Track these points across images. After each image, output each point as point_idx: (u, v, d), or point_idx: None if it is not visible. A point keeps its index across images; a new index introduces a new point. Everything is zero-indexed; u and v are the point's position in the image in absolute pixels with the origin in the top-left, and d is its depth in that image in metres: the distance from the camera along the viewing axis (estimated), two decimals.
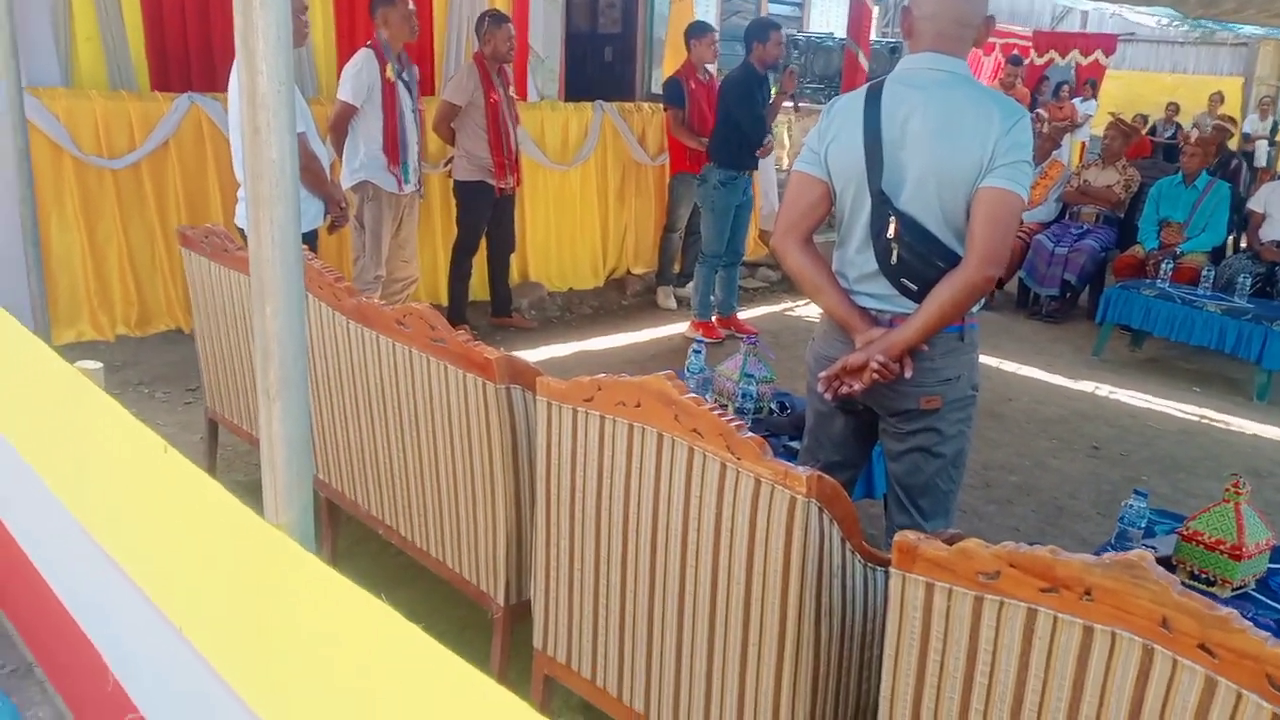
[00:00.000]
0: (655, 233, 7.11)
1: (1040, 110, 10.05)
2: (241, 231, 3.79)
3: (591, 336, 6.06)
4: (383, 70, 4.70)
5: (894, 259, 2.25)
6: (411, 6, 4.81)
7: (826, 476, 1.76)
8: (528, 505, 2.41)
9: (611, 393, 2.01)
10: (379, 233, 4.90)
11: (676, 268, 6.83)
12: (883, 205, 2.25)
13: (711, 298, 5.97)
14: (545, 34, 6.71)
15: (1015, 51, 10.64)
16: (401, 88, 4.79)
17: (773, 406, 3.49)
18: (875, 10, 8.44)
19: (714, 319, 5.99)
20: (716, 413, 1.85)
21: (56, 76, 4.95)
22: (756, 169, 5.89)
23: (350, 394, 2.81)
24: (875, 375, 2.28)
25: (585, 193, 6.77)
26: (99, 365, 2.09)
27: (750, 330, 6.06)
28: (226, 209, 5.21)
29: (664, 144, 6.95)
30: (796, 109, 5.90)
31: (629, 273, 7.12)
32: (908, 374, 2.28)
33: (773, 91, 5.93)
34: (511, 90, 5.60)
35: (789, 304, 7.02)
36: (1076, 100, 11.58)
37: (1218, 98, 11.80)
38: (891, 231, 2.24)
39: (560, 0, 6.88)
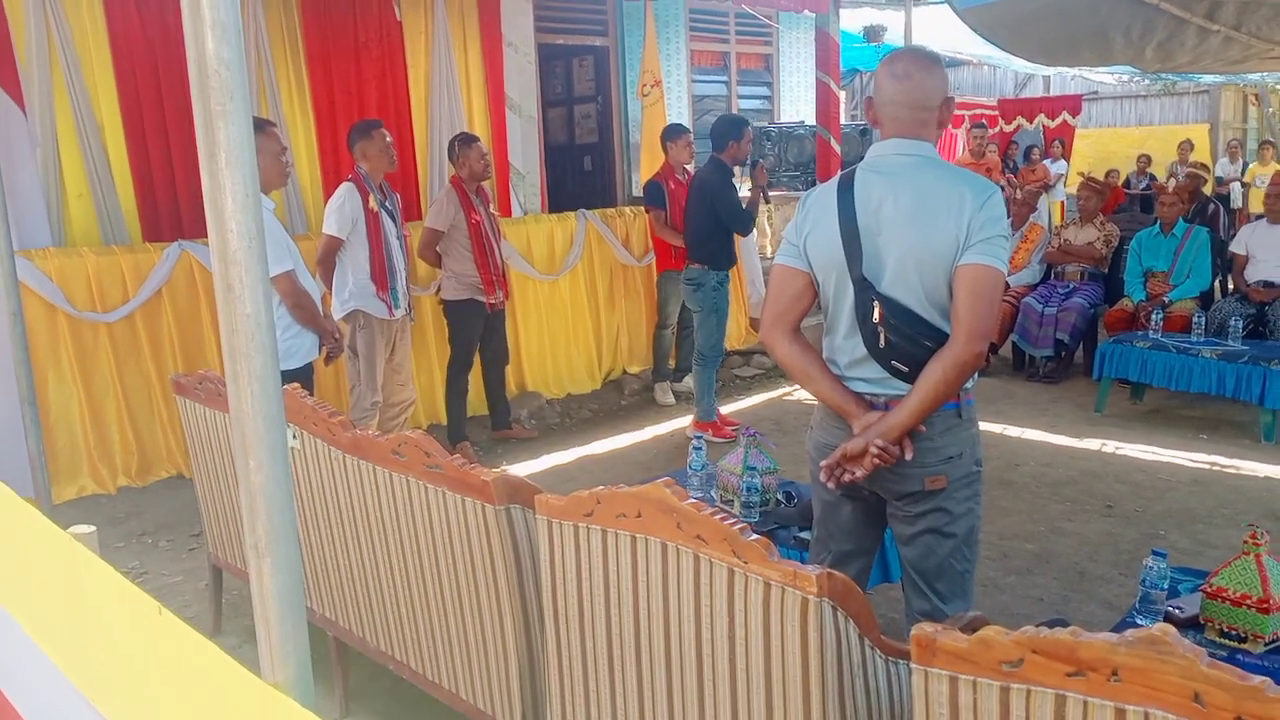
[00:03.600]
0: (648, 331, 7.16)
1: (1010, 176, 10.23)
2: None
3: (593, 440, 6.04)
4: (365, 201, 4.80)
5: (882, 342, 2.26)
6: (389, 138, 4.93)
7: (836, 573, 1.73)
8: (537, 627, 2.36)
9: (611, 505, 1.99)
10: (373, 359, 4.93)
11: (671, 363, 6.85)
12: (865, 291, 2.27)
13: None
14: (524, 151, 6.88)
15: (981, 120, 10.88)
16: (385, 216, 4.88)
17: (779, 497, 3.45)
18: (842, 96, 8.65)
19: (718, 418, 5.93)
20: (719, 516, 1.83)
21: (47, 237, 5.05)
22: (735, 262, 5.94)
23: (351, 528, 2.79)
24: (876, 460, 2.26)
25: (575, 299, 6.83)
26: (92, 529, 2.07)
27: (732, 423, 6.00)
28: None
29: (649, 244, 7.06)
30: (767, 200, 6.01)
31: (625, 372, 7.14)
32: (908, 456, 2.26)
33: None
34: (492, 207, 5.71)
35: (786, 389, 7.02)
36: (1047, 161, 11.79)
37: (1188, 145, 12.03)
38: (877, 316, 2.25)
39: (536, 117, 7.06)
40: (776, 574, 1.74)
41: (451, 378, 5.67)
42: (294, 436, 2.90)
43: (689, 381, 6.88)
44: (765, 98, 11.12)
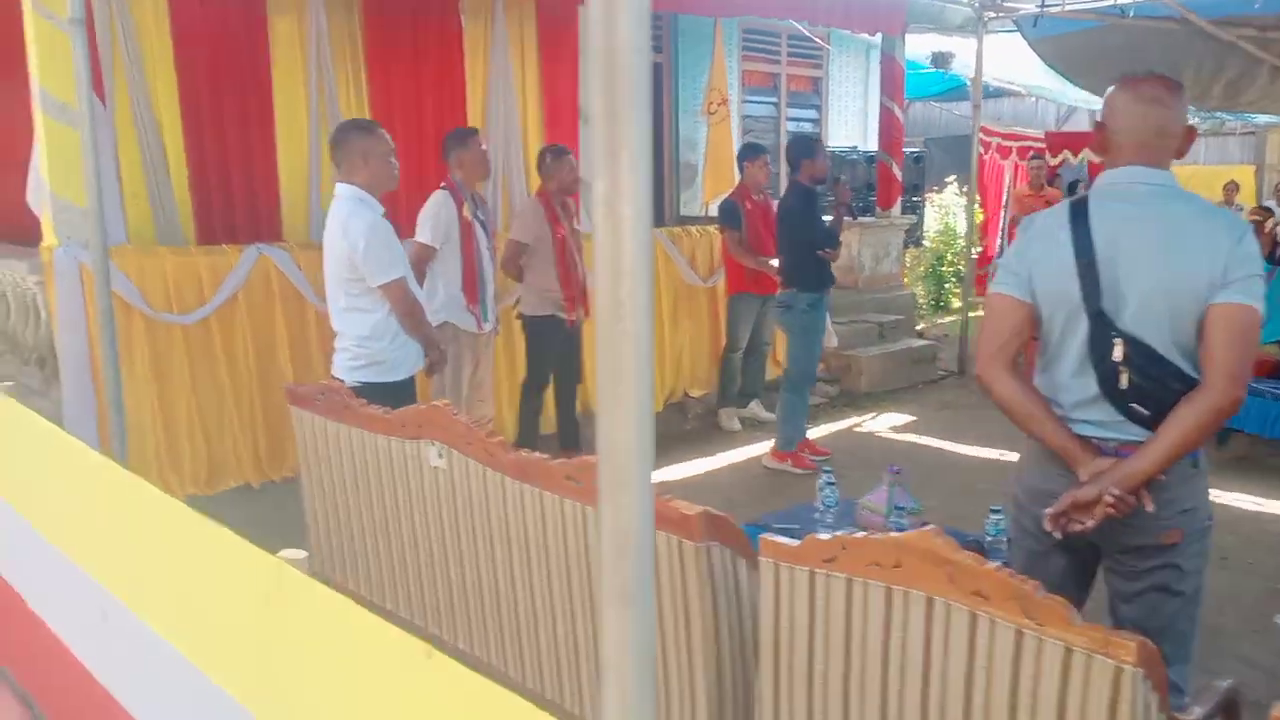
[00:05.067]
0: (711, 354, 7.01)
1: None
2: (340, 382, 3.65)
3: (661, 465, 5.86)
4: (460, 210, 4.65)
5: (1124, 383, 2.10)
6: (485, 146, 4.79)
7: (1147, 640, 1.56)
8: (730, 677, 2.19)
9: (861, 552, 1.83)
10: (458, 374, 4.77)
11: (737, 388, 6.70)
12: (1104, 327, 2.11)
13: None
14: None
15: (1040, 151, 10.78)
16: (478, 227, 4.73)
17: None
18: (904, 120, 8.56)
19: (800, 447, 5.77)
20: (1005, 572, 1.66)
21: (122, 234, 4.89)
22: (834, 282, 5.80)
23: (509, 559, 2.61)
24: (1110, 510, 2.09)
25: None
26: (303, 554, 1.90)
27: (823, 451, 5.89)
28: (297, 359, 5.09)
29: (715, 265, 6.91)
30: (853, 217, 5.89)
31: (687, 395, 6.97)
32: (1149, 507, 2.10)
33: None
34: (576, 222, 5.56)
35: (854, 419, 6.87)
36: None
37: (1233, 186, 11.93)
38: (1119, 354, 2.09)
39: None
40: (1082, 639, 1.58)
41: (526, 395, 5.50)
42: (440, 455, 2.73)
43: (754, 408, 6.74)
44: (814, 121, 11.02)
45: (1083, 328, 2.15)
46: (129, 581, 2.09)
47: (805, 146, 5.65)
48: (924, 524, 3.26)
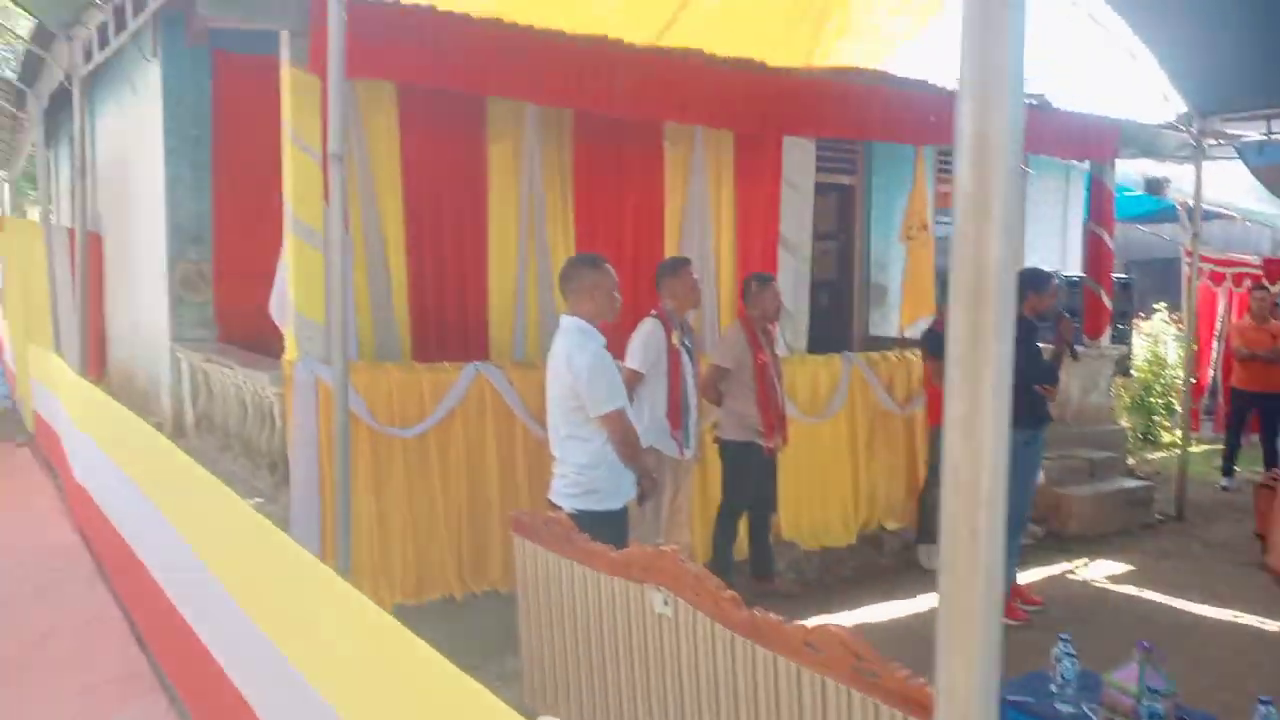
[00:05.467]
0: (907, 485, 6.75)
1: None
2: (556, 508, 3.69)
3: (861, 603, 5.61)
4: (668, 337, 4.71)
5: None
6: (696, 276, 4.86)
7: None
8: None
9: None
10: (659, 500, 4.76)
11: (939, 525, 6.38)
12: None
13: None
14: (795, 290, 6.75)
15: (1261, 280, 10.09)
16: (685, 354, 4.77)
17: None
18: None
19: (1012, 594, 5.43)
20: None
21: (353, 351, 5.18)
22: (1050, 420, 5.51)
23: None
24: None
25: (835, 445, 6.52)
26: None
27: (1035, 600, 5.50)
28: (504, 474, 5.20)
29: (913, 391, 6.72)
30: (1074, 356, 5.58)
31: (882, 528, 6.71)
32: None
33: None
34: (777, 347, 5.54)
35: (1065, 565, 6.42)
36: None
37: None
38: None
39: (808, 257, 6.94)
40: None
41: (722, 521, 5.43)
42: (665, 603, 2.68)
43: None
44: None
45: None
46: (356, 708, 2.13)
47: (1036, 278, 5.36)
48: (1175, 706, 2.96)
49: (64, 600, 4.86)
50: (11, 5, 7.78)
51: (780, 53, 6.04)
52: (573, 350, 3.65)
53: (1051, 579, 6.15)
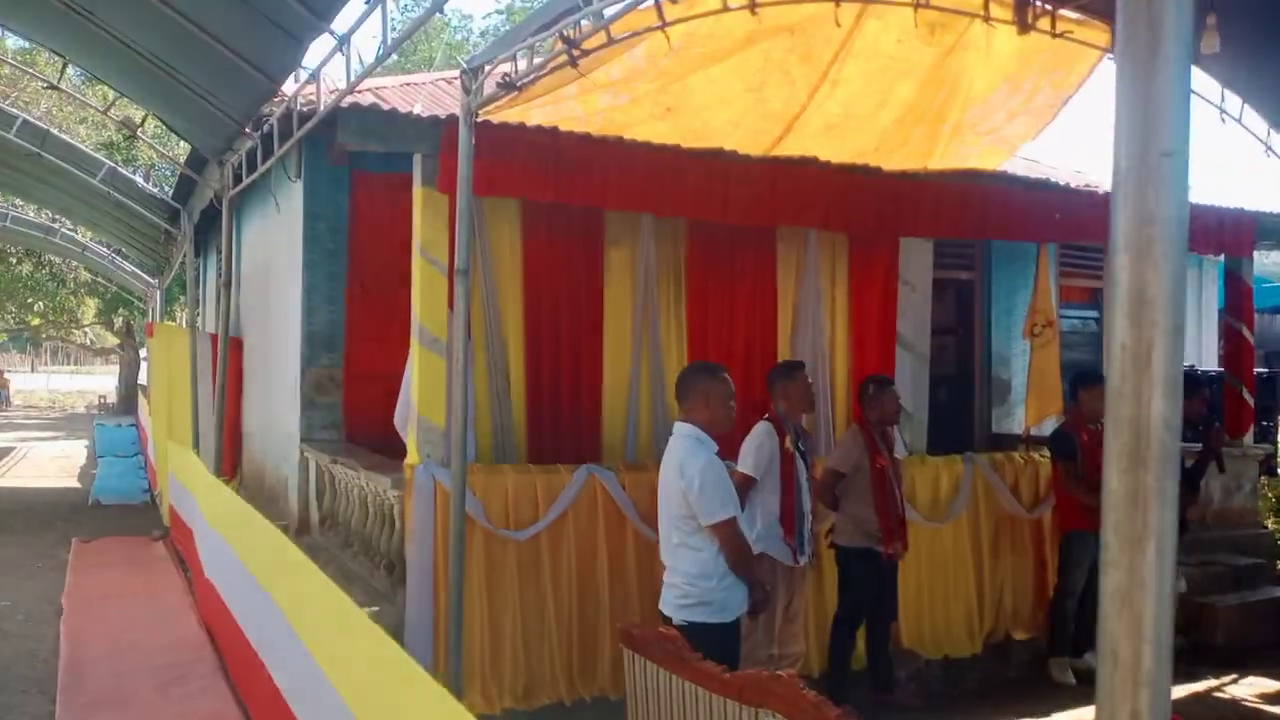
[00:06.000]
0: (1036, 593, 6.43)
1: None
2: (667, 619, 3.65)
3: (986, 718, 5.33)
4: (782, 442, 4.67)
5: None
6: (810, 380, 4.83)
7: None
8: None
9: None
10: (773, 609, 4.65)
11: (1071, 636, 6.05)
12: None
13: None
14: (914, 390, 6.62)
15: None
16: (799, 458, 4.71)
17: None
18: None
19: None
20: None
21: (471, 453, 5.30)
22: (1187, 531, 5.22)
23: None
24: None
25: (959, 550, 6.29)
26: None
27: (1177, 717, 5.12)
28: (614, 578, 5.20)
29: (1041, 494, 6.45)
30: (1221, 469, 5.26)
31: (1009, 638, 6.39)
32: None
33: None
34: (896, 449, 5.43)
35: (1212, 681, 5.97)
36: None
37: None
38: None
39: (926, 356, 6.82)
40: None
41: (838, 630, 5.27)
42: None
43: (1090, 659, 6.04)
44: None
45: None
46: None
47: (1187, 383, 5.18)
48: None
49: (187, 695, 4.99)
50: (170, 132, 8.47)
51: (896, 158, 6.07)
52: (685, 458, 3.65)
53: (1197, 695, 5.75)
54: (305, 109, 5.68)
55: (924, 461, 6.37)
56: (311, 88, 5.63)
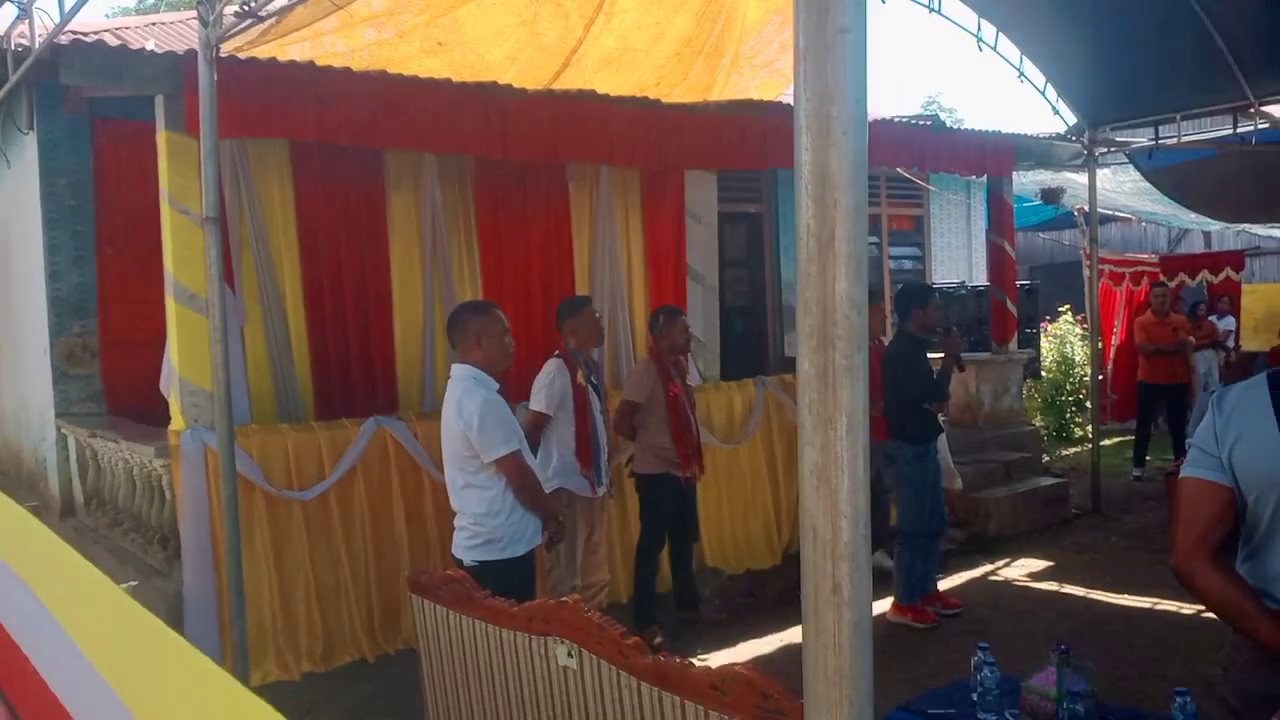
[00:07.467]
0: None
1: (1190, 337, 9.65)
2: (459, 562, 3.56)
3: (789, 624, 5.53)
4: (574, 377, 4.62)
5: None
6: (598, 314, 4.79)
7: None
8: None
9: None
10: (573, 540, 4.66)
11: None
12: None
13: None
14: (705, 319, 6.73)
15: (1153, 278, 10.45)
16: (592, 392, 4.68)
17: None
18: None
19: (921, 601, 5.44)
20: None
21: (245, 414, 4.98)
22: (942, 432, 5.57)
23: None
24: None
25: (754, 468, 6.50)
26: None
27: (954, 603, 5.53)
28: (413, 529, 5.05)
29: None
30: (960, 368, 5.66)
31: None
32: None
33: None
34: (688, 379, 5.49)
35: (987, 566, 6.46)
36: (1214, 318, 11.23)
37: None
38: None
39: (715, 287, 6.94)
40: None
41: (642, 555, 5.32)
42: (570, 654, 2.57)
43: (879, 558, 6.39)
44: (916, 258, 10.91)
45: None
46: None
47: (917, 295, 5.52)
48: (1096, 706, 2.94)
49: None
50: None
51: (678, 92, 6.06)
52: (463, 397, 3.54)
53: (974, 581, 6.20)
54: (20, 49, 5.06)
55: (718, 387, 6.51)
56: (25, 25, 5.02)
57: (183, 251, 4.61)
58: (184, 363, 4.58)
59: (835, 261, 1.03)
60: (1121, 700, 3.24)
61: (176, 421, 4.59)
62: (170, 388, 4.68)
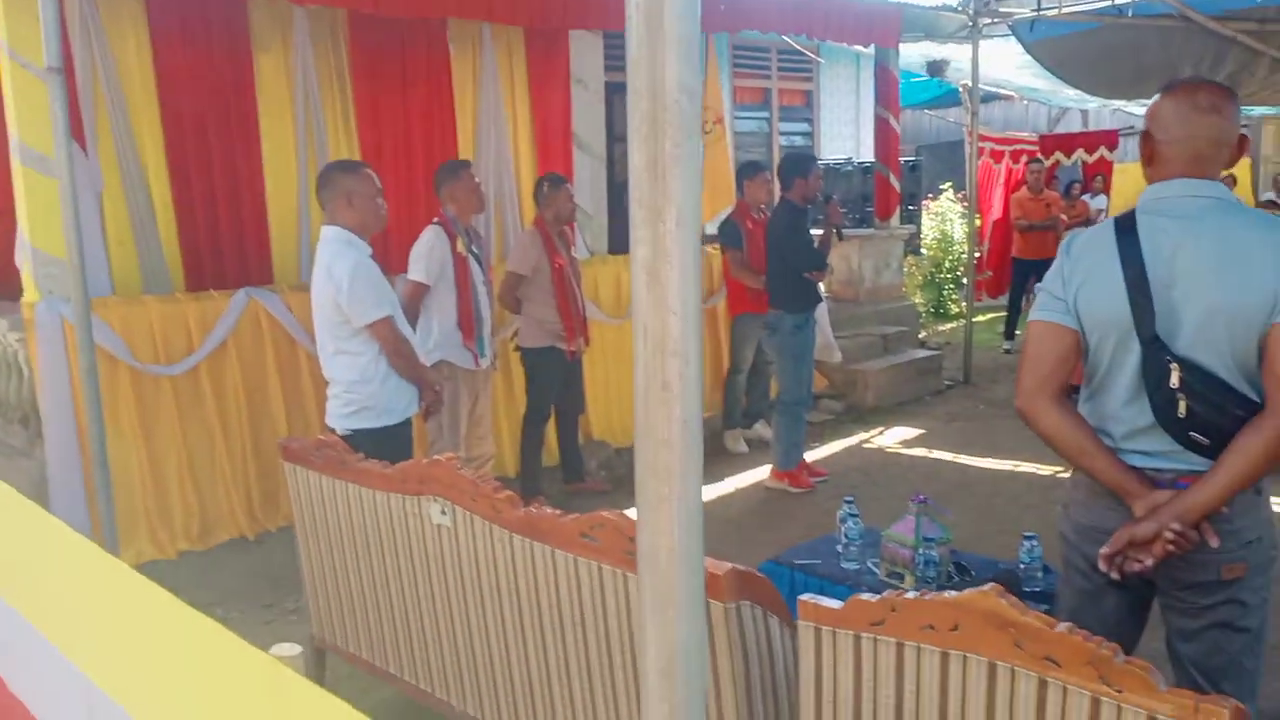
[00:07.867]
0: (713, 375, 6.85)
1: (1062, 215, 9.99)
2: (333, 431, 3.49)
3: None
4: (453, 246, 4.50)
5: (1181, 411, 1.95)
6: (477, 179, 4.65)
7: (1242, 706, 1.40)
8: None
9: (913, 614, 1.66)
10: (456, 412, 4.62)
11: (742, 410, 6.54)
12: (1159, 352, 1.96)
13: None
14: (592, 191, 6.60)
15: (1037, 155, 10.71)
16: (473, 261, 4.58)
17: (950, 571, 3.13)
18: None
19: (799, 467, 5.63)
20: (1079, 635, 1.50)
21: (106, 285, 4.72)
22: (822, 301, 5.67)
23: (516, 622, 2.44)
24: (1170, 546, 1.94)
25: None
26: (298, 649, 1.73)
27: (820, 472, 5.74)
28: (290, 403, 4.94)
29: (716, 285, 6.77)
30: (840, 238, 5.74)
31: None
32: (1213, 542, 1.94)
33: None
34: (574, 250, 5.42)
35: (862, 435, 6.71)
36: (1087, 197, 11.62)
37: (1229, 180, 11.83)
38: (1175, 380, 1.94)
39: (603, 158, 6.79)
40: (1167, 707, 1.42)
41: (528, 428, 5.34)
42: (443, 512, 2.57)
43: (759, 428, 6.58)
44: (806, 134, 10.92)
45: (1135, 353, 2.00)
46: (116, 676, 1.93)
47: (798, 164, 5.51)
48: (950, 551, 3.10)
49: None
50: None
51: None
52: (333, 260, 3.41)
53: (849, 449, 6.43)
54: None
55: (605, 261, 6.46)
56: None
57: (26, 109, 4.26)
58: (35, 230, 4.29)
59: (665, 44, 0.98)
60: (982, 552, 3.44)
61: (30, 293, 4.32)
62: (22, 258, 4.38)
